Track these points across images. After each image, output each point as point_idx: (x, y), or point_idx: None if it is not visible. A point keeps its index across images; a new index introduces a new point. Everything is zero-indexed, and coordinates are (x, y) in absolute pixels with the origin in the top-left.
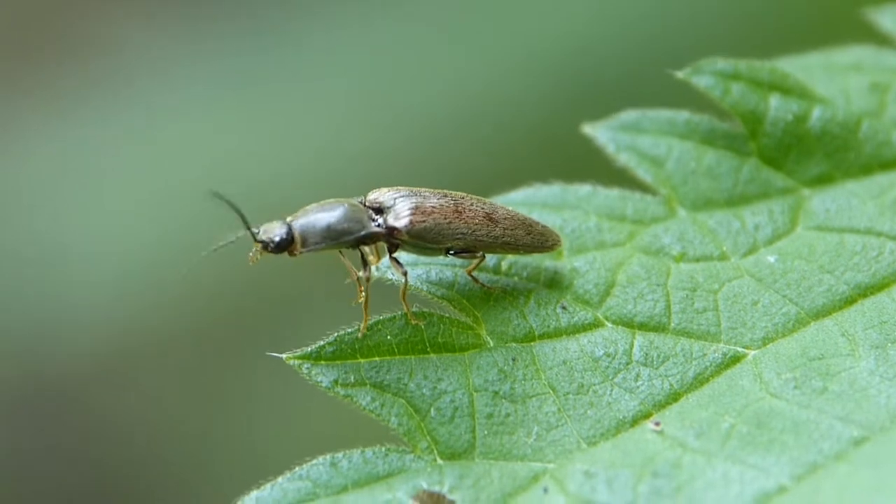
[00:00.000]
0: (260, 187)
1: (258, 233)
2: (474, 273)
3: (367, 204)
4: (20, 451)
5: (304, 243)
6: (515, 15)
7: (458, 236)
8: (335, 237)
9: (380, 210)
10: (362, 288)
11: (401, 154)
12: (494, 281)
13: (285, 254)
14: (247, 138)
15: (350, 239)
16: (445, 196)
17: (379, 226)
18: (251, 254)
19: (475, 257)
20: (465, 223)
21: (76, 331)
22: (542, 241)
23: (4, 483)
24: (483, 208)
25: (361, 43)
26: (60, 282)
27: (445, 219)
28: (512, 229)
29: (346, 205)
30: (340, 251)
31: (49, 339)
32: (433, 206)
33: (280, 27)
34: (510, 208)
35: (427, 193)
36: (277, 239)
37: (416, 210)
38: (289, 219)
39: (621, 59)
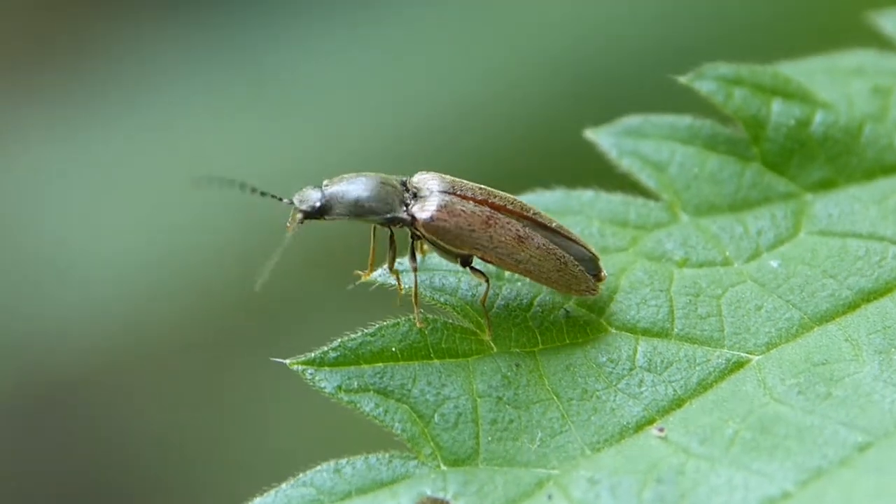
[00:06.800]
0: (264, 187)
1: (294, 202)
2: (486, 303)
3: (408, 186)
4: (17, 455)
5: (329, 211)
6: (519, 19)
7: (476, 246)
8: (360, 213)
9: (416, 196)
10: (399, 279)
11: (403, 159)
12: (498, 286)
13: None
14: (250, 139)
15: (376, 219)
16: (484, 201)
17: (406, 212)
18: (289, 222)
19: (483, 280)
20: (489, 236)
21: (76, 333)
22: (570, 282)
23: (2, 488)
24: (517, 231)
25: (365, 46)
26: (60, 286)
27: (469, 226)
28: (539, 260)
29: (382, 183)
30: (373, 232)
31: (49, 342)
32: (462, 210)
33: (282, 29)
34: (553, 245)
35: (468, 193)
36: (318, 205)
37: (443, 208)
38: (325, 183)
39: (624, 64)
